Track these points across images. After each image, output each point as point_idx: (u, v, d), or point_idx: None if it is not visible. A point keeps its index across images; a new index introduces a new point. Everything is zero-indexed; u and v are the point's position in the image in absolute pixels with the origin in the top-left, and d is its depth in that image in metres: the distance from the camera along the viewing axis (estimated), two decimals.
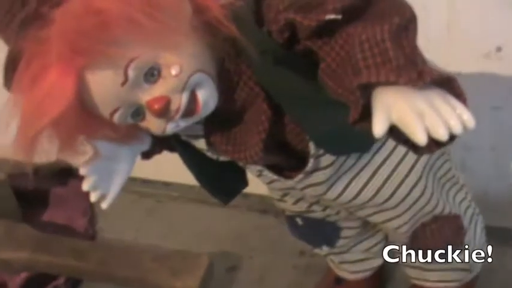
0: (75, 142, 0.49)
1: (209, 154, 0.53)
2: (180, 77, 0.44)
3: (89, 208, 0.92)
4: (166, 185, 0.96)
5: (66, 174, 0.96)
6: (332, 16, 0.43)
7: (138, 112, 0.45)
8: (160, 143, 0.59)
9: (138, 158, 0.56)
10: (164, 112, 0.44)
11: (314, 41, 0.44)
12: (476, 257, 0.68)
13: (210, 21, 0.45)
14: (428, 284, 0.68)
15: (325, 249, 0.68)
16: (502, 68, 0.76)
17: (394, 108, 0.37)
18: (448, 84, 0.39)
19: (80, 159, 0.52)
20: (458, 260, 0.65)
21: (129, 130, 0.51)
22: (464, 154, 0.81)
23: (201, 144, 0.52)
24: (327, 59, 0.43)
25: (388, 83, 0.38)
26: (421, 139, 0.37)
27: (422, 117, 0.37)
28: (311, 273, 0.79)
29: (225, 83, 0.48)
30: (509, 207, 0.84)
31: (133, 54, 0.42)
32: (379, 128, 0.37)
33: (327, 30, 0.43)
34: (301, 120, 0.50)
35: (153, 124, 0.46)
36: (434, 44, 0.72)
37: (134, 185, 0.95)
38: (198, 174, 0.59)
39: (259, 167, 0.54)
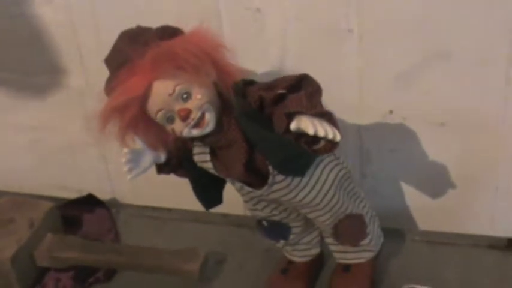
0: (127, 134, 0.72)
1: (212, 171, 0.77)
2: (199, 101, 0.69)
3: (112, 227, 1.10)
4: (169, 210, 1.13)
5: (93, 205, 1.14)
6: (281, 91, 0.69)
7: (171, 117, 0.69)
8: (171, 167, 0.81)
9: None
10: (186, 117, 0.69)
11: (272, 107, 0.70)
12: (375, 243, 0.90)
13: (223, 83, 0.71)
14: (347, 261, 0.90)
15: (281, 242, 0.90)
16: (394, 124, 0.95)
17: (301, 121, 0.64)
18: (328, 116, 0.66)
19: (125, 147, 0.74)
20: (364, 244, 0.88)
21: (155, 143, 0.75)
22: (374, 183, 1.01)
23: (209, 166, 0.77)
24: (275, 113, 0.69)
25: (300, 113, 0.65)
26: (311, 132, 0.63)
27: (314, 125, 0.63)
28: (273, 263, 0.96)
29: (223, 126, 0.72)
30: (401, 215, 1.03)
31: (181, 81, 0.68)
32: (293, 126, 0.64)
33: (279, 99, 0.69)
34: (264, 153, 0.73)
35: (178, 126, 0.70)
36: (348, 108, 0.94)
37: (146, 211, 1.15)
38: (194, 187, 0.82)
39: (240, 184, 0.78)
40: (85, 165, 1.17)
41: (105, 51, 0.91)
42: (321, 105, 0.69)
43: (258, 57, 0.92)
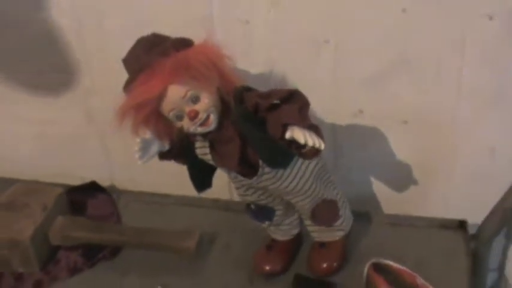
0: (140, 127, 0.81)
1: (211, 162, 0.87)
2: (206, 105, 0.79)
3: (114, 211, 1.18)
4: (167, 196, 1.21)
5: (96, 190, 1.23)
6: (275, 101, 0.79)
7: (181, 116, 0.79)
8: (173, 155, 0.89)
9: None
10: (194, 117, 0.78)
11: (266, 112, 0.79)
12: (346, 223, 0.99)
13: (224, 88, 0.81)
14: (322, 239, 0.99)
15: (267, 223, 0.99)
16: (363, 122, 1.05)
17: (295, 132, 0.73)
18: (316, 129, 0.76)
19: (137, 137, 0.82)
20: (337, 225, 0.98)
21: (162, 135, 0.84)
22: (346, 173, 1.11)
23: (208, 158, 0.87)
24: (269, 119, 0.78)
25: (293, 124, 0.74)
26: (302, 141, 0.72)
27: (305, 136, 0.73)
28: (258, 242, 1.04)
29: (222, 126, 0.82)
30: (369, 200, 1.13)
31: (192, 87, 0.77)
32: (288, 135, 0.73)
33: (273, 107, 0.79)
34: (255, 149, 0.83)
35: (186, 123, 0.79)
36: (324, 108, 1.03)
37: (144, 197, 1.22)
38: (190, 172, 0.91)
39: (234, 173, 0.87)
40: (87, 155, 1.27)
41: (108, 55, 1.02)
42: (309, 118, 0.80)
43: (247, 63, 1.01)
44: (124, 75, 0.84)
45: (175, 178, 1.05)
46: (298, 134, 0.74)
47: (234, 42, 1.00)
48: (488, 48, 0.94)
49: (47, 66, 1.16)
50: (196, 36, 0.84)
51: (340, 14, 0.96)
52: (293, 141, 0.75)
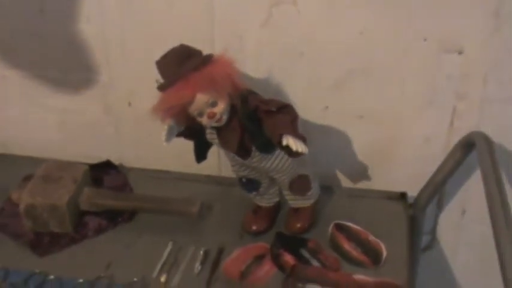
0: (168, 118, 1.00)
1: (216, 145, 1.09)
2: (221, 109, 0.99)
3: (127, 184, 1.37)
4: (167, 172, 1.38)
5: (108, 168, 1.41)
6: (272, 108, 0.99)
7: (201, 114, 0.99)
8: (186, 135, 1.07)
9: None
10: (212, 117, 0.98)
11: (263, 114, 0.99)
12: (316, 194, 1.19)
13: (233, 93, 0.99)
14: (297, 205, 1.18)
15: (254, 193, 1.19)
16: (329, 116, 1.25)
17: (289, 140, 0.94)
18: (303, 138, 0.96)
19: (165, 125, 1.01)
20: (309, 194, 1.18)
21: (181, 123, 1.03)
22: (315, 156, 1.17)
23: (215, 142, 1.07)
24: (267, 122, 0.98)
25: (287, 134, 0.95)
26: (294, 148, 0.93)
27: (296, 144, 0.93)
28: (245, 208, 1.22)
29: (229, 120, 1.02)
30: (332, 176, 1.33)
31: (213, 96, 0.97)
32: (284, 142, 0.93)
33: (270, 112, 0.99)
34: (251, 138, 1.04)
35: (204, 120, 1.00)
36: (297, 105, 1.13)
37: (149, 173, 1.39)
38: (195, 149, 1.11)
39: (233, 154, 1.08)
40: (103, 139, 1.47)
41: (125, 59, 1.22)
42: (298, 128, 1.01)
43: (240, 70, 1.14)
44: (136, 75, 1.09)
45: (174, 158, 1.29)
46: (291, 142, 0.97)
47: (230, 53, 1.17)
48: (423, 61, 1.20)
49: (72, 66, 1.34)
50: (199, 45, 1.05)
51: (313, 34, 1.18)
52: (286, 145, 0.97)
